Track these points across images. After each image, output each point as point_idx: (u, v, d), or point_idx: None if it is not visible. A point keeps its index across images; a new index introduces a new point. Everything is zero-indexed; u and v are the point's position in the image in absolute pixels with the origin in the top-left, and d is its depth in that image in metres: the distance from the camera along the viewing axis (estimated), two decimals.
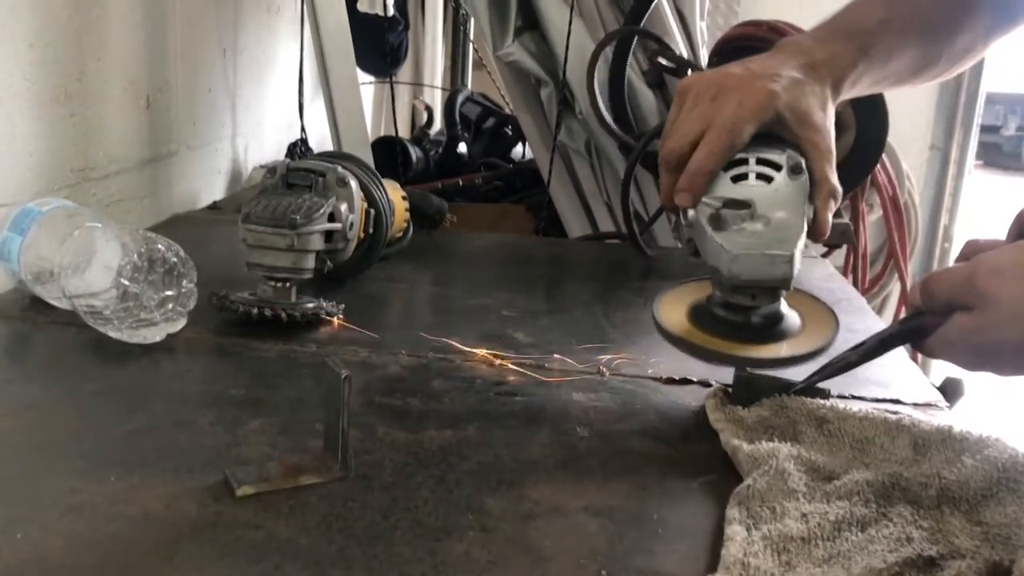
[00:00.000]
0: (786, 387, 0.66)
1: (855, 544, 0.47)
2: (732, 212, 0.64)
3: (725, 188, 0.65)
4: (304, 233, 0.79)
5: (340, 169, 0.86)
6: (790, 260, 0.62)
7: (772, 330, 0.66)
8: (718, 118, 0.67)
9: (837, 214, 0.71)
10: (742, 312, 0.65)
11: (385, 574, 0.45)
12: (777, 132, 0.68)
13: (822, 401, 0.65)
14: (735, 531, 0.48)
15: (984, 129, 3.35)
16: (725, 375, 0.74)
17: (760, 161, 0.65)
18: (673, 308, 0.69)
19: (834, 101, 0.72)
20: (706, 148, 0.66)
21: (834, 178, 0.69)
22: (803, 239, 0.64)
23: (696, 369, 0.76)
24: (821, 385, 0.67)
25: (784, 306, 0.67)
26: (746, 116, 0.67)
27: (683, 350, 0.67)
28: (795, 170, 0.65)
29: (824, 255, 1.49)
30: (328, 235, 0.84)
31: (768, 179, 0.65)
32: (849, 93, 0.75)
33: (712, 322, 0.67)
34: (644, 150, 1.09)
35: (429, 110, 2.76)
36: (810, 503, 0.51)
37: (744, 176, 0.65)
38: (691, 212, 0.66)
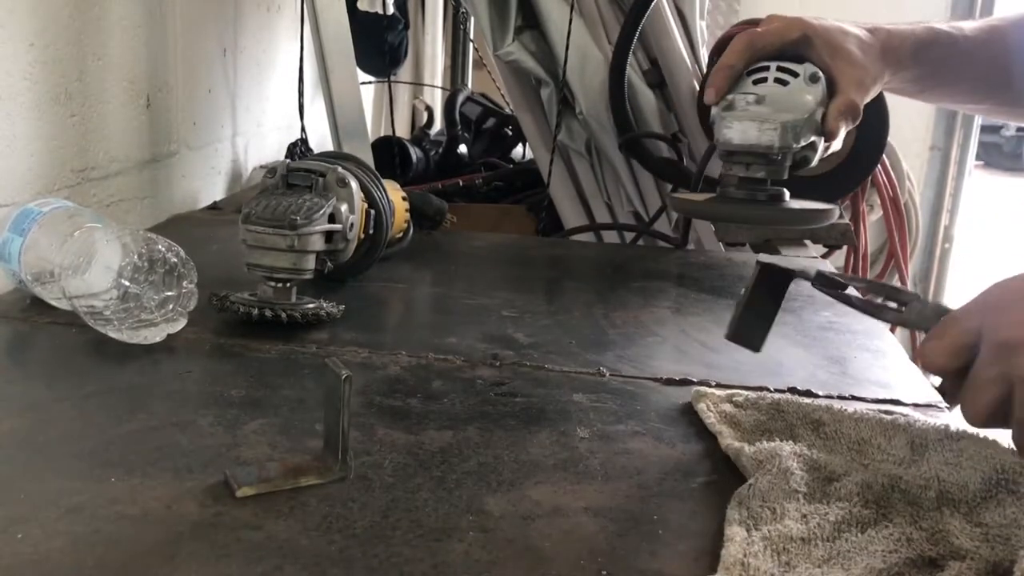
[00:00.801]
0: (803, 274, 0.63)
1: (855, 544, 0.47)
2: (743, 97, 0.71)
3: (745, 87, 0.72)
4: (304, 234, 0.79)
5: (340, 169, 0.86)
6: (776, 128, 0.69)
7: (774, 203, 0.72)
8: (745, 31, 0.74)
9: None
10: (749, 189, 0.71)
11: (385, 574, 0.45)
12: (809, 57, 0.72)
13: (818, 403, 0.64)
14: (735, 531, 0.48)
15: (984, 129, 3.35)
16: (727, 376, 0.74)
17: (780, 69, 0.72)
18: (687, 195, 0.78)
19: (886, 64, 0.74)
20: (728, 49, 0.73)
21: (856, 97, 0.72)
22: (802, 122, 0.70)
23: (696, 370, 0.76)
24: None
25: (788, 194, 0.73)
26: (772, 30, 0.73)
27: (701, 215, 0.74)
28: (813, 78, 0.71)
29: (824, 255, 1.49)
30: (328, 236, 0.84)
31: (785, 83, 0.71)
32: (912, 71, 0.76)
33: (723, 199, 0.73)
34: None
35: (429, 110, 2.76)
36: (810, 503, 0.51)
37: (764, 80, 0.72)
38: (714, 109, 0.73)
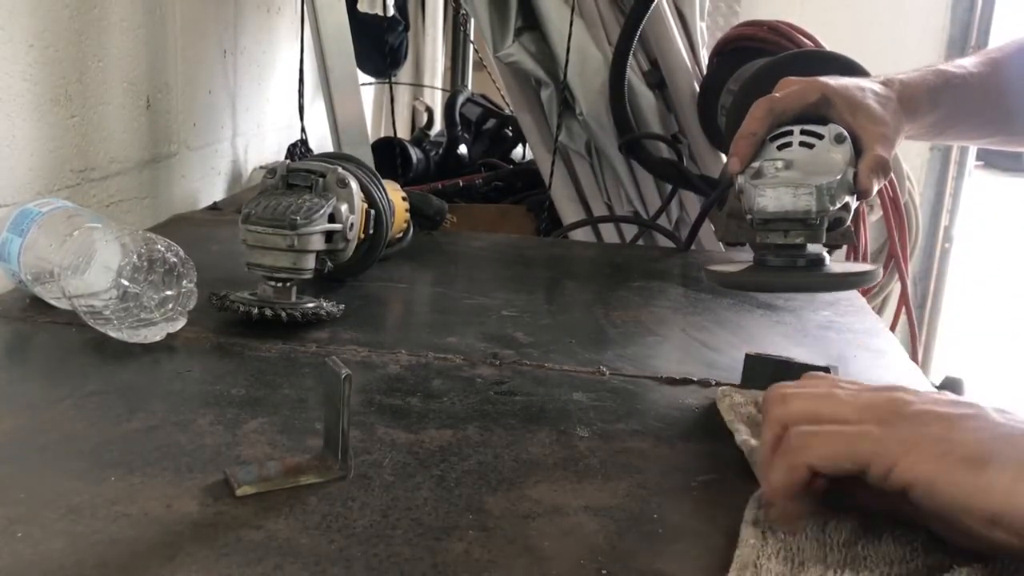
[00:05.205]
0: (793, 366, 0.67)
1: (873, 551, 0.47)
2: (770, 163, 0.69)
3: (770, 153, 0.70)
4: (304, 233, 0.79)
5: (340, 170, 0.86)
6: (813, 192, 0.67)
7: (815, 268, 0.70)
8: (764, 97, 0.73)
9: None
10: (788, 255, 0.69)
11: (385, 574, 0.45)
12: (831, 118, 0.71)
13: None
14: (749, 533, 0.48)
15: None
16: (726, 376, 0.74)
17: (804, 132, 0.70)
18: (722, 267, 0.75)
19: (907, 114, 0.74)
20: (748, 116, 0.72)
21: (883, 152, 0.70)
22: (836, 184, 0.68)
23: (696, 369, 0.76)
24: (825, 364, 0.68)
25: (827, 257, 0.71)
26: (791, 93, 0.72)
27: (739, 286, 0.72)
28: (839, 139, 0.70)
29: None
30: (328, 235, 0.84)
31: (811, 146, 0.70)
32: (929, 117, 0.76)
33: (761, 268, 0.71)
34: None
35: (429, 111, 2.76)
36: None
37: (789, 144, 0.70)
38: (740, 179, 0.71)
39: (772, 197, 0.67)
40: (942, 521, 0.46)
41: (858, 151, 0.70)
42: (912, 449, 0.45)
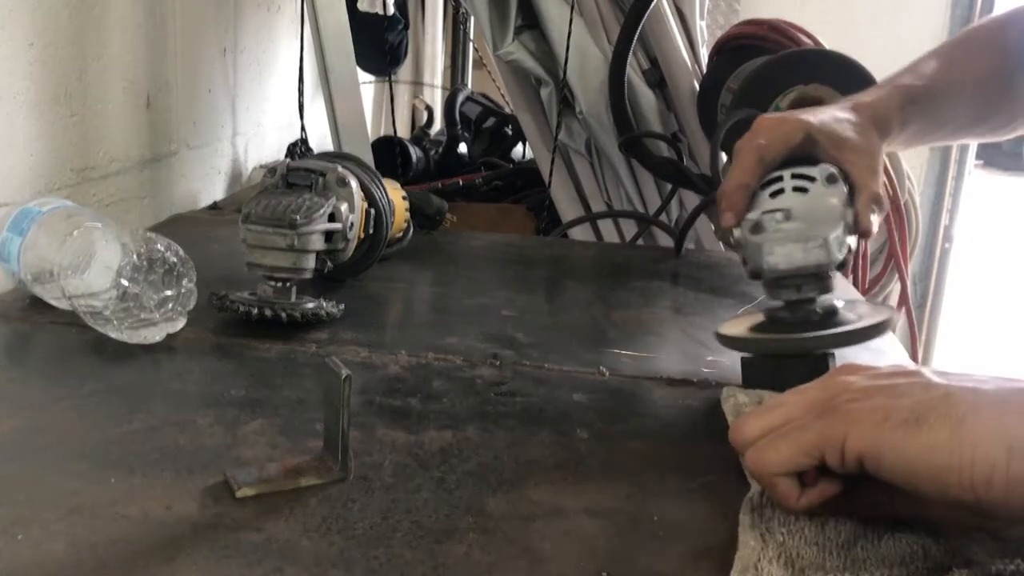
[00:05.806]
0: (786, 353, 0.67)
1: (872, 553, 0.47)
2: (769, 216, 0.67)
3: (764, 203, 0.68)
4: (304, 233, 0.79)
5: (340, 169, 0.86)
6: (823, 245, 0.66)
7: (831, 320, 0.68)
8: (747, 144, 0.70)
9: None
10: (803, 311, 0.68)
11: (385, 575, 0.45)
12: (817, 156, 0.70)
13: None
14: (748, 536, 0.48)
15: None
16: (726, 376, 0.74)
17: (795, 176, 0.68)
18: (733, 326, 0.72)
19: (881, 137, 0.73)
20: (736, 166, 0.70)
21: (875, 186, 0.70)
22: (841, 231, 0.67)
23: (696, 370, 0.76)
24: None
25: (841, 304, 0.69)
26: (775, 138, 0.70)
27: (751, 350, 0.69)
28: (831, 180, 0.68)
29: None
30: (328, 235, 0.83)
31: (804, 191, 0.68)
32: (901, 135, 0.76)
33: (774, 326, 0.69)
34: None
35: (429, 110, 2.76)
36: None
37: (781, 191, 0.68)
38: (736, 232, 0.69)
39: (782, 255, 0.66)
40: (939, 506, 0.46)
41: (848, 187, 0.69)
42: (853, 424, 0.46)
